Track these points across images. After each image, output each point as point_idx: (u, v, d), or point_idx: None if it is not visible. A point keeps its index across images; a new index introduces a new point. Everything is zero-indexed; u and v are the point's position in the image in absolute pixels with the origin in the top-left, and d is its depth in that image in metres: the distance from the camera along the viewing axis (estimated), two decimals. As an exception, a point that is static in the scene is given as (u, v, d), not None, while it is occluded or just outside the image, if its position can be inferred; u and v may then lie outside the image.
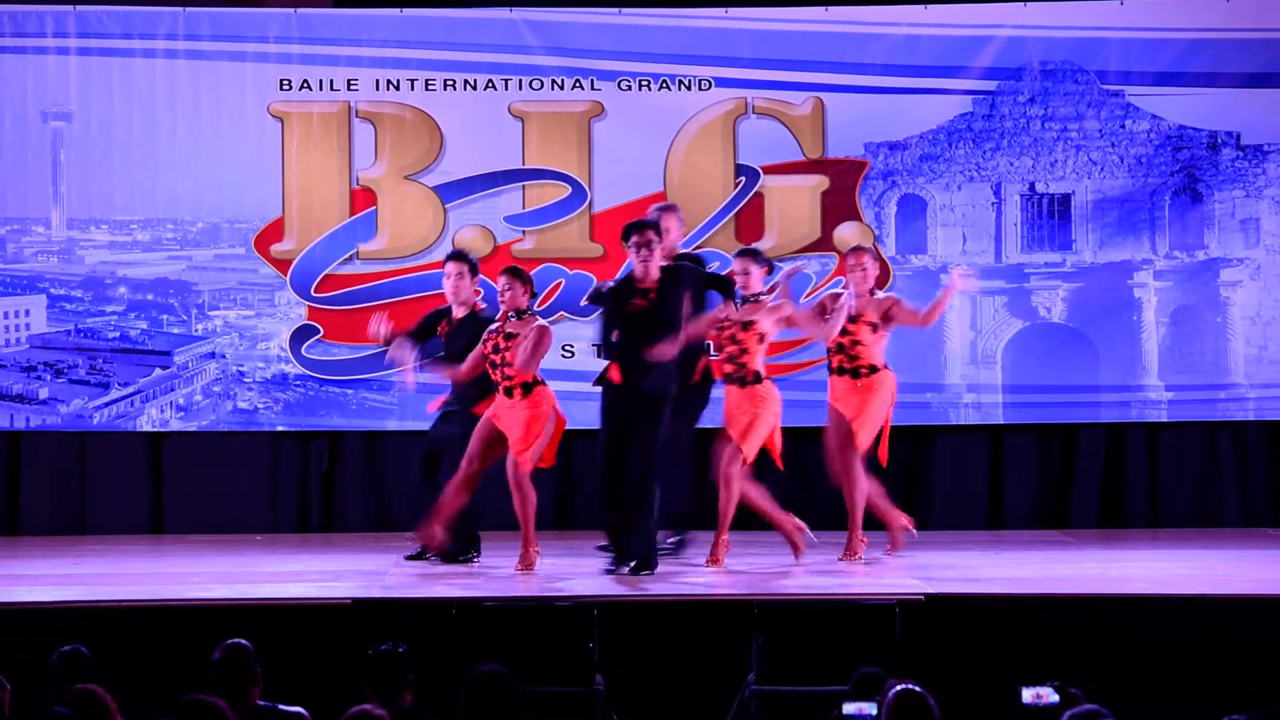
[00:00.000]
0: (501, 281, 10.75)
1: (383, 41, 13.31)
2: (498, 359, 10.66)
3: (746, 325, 10.71)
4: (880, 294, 11.19)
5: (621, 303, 10.51)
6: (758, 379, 10.71)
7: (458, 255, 11.53)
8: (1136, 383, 13.36)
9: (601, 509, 10.81)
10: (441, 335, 11.34)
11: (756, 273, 10.81)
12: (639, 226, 10.61)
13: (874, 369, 11.01)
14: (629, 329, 10.49)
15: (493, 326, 10.76)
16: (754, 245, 12.97)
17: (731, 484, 10.66)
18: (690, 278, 10.70)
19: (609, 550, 10.73)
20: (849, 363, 11.05)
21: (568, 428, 10.81)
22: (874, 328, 11.01)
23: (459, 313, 11.31)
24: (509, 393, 10.65)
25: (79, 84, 13.25)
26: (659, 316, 10.43)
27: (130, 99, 13.25)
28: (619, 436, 10.46)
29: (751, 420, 10.65)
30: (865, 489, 11.03)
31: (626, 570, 10.40)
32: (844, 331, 10.99)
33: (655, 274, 10.50)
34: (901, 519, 11.23)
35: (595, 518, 13.03)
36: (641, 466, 10.40)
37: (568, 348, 13.05)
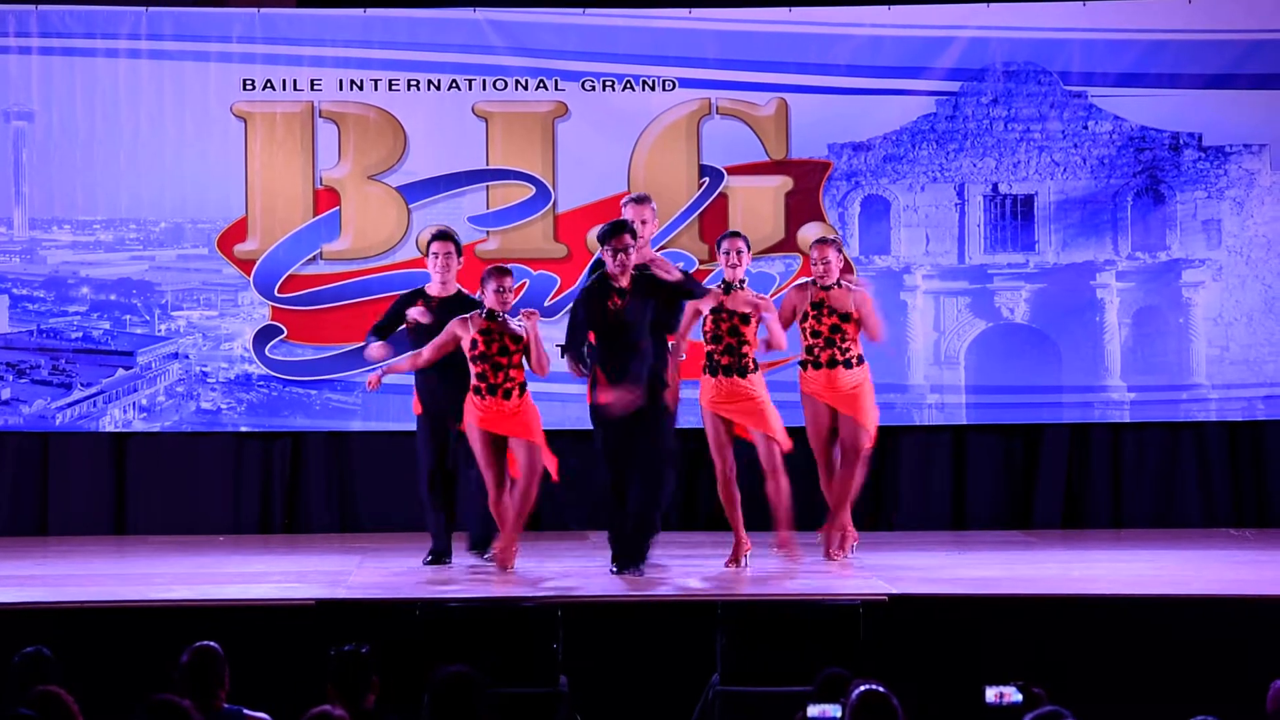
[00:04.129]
0: (499, 283, 10.54)
1: (346, 41, 13.29)
2: (504, 360, 10.58)
3: (746, 318, 10.73)
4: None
5: (602, 299, 10.45)
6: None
7: (449, 235, 11.45)
8: (1099, 383, 13.40)
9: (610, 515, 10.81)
10: (415, 318, 11.23)
11: (747, 255, 10.88)
12: (616, 230, 10.55)
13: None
14: (609, 334, 10.45)
15: (479, 324, 10.55)
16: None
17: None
18: (661, 287, 10.60)
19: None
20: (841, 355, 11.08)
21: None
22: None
23: (444, 293, 11.20)
24: (508, 395, 10.57)
25: (41, 84, 13.21)
26: (627, 320, 10.41)
27: (93, 99, 13.21)
28: (621, 444, 10.48)
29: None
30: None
31: (628, 571, 10.42)
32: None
33: (627, 279, 10.47)
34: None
35: (562, 518, 13.12)
36: (648, 474, 10.46)
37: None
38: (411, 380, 11.35)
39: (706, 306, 10.72)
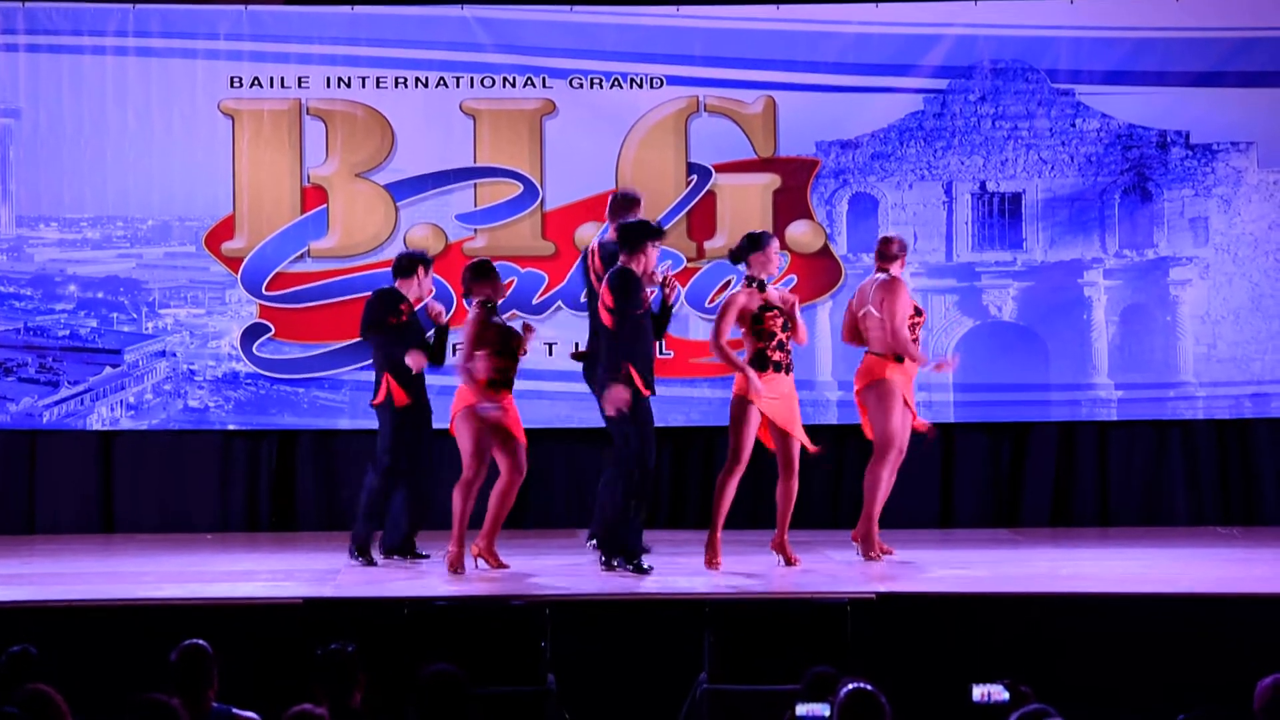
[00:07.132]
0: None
1: (334, 39, 13.28)
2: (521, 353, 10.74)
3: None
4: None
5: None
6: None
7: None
8: (1087, 381, 13.41)
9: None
10: (403, 319, 11.31)
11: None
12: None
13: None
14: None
15: (499, 323, 10.72)
16: (707, 243, 13.09)
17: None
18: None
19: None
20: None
21: (527, 427, 10.81)
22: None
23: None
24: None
25: (28, 81, 13.19)
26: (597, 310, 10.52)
27: (80, 96, 13.19)
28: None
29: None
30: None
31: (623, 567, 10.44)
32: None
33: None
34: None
35: (550, 516, 13.12)
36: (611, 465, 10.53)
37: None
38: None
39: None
